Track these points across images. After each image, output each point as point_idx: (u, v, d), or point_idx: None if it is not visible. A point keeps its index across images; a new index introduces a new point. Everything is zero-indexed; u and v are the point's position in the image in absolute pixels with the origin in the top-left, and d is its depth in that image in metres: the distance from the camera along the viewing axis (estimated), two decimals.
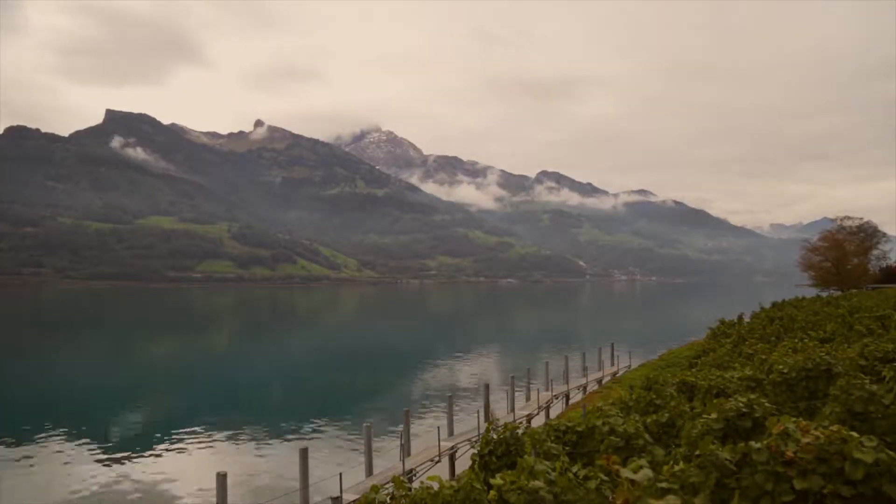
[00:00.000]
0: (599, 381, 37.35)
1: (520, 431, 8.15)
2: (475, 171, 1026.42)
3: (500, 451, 7.82)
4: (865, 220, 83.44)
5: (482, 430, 15.62)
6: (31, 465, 25.68)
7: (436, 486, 5.13)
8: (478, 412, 26.03)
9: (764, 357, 13.94)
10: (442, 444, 22.70)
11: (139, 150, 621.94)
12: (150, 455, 27.10)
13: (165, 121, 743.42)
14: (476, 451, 8.09)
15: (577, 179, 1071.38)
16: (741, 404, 6.83)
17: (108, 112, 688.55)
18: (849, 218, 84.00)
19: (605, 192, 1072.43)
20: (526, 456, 5.18)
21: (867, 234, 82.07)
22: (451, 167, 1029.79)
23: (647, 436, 7.71)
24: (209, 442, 29.25)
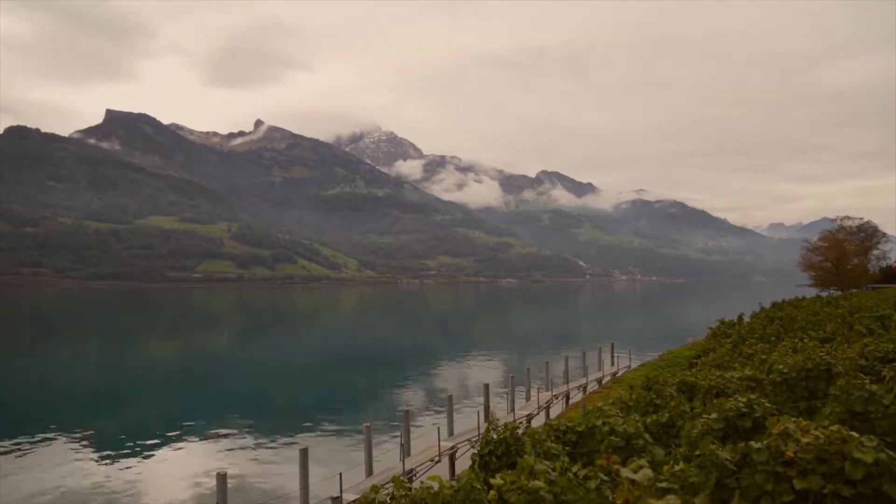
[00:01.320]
0: (599, 381, 37.34)
1: (520, 431, 8.14)
2: (475, 171, 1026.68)
3: (500, 451, 7.81)
4: (865, 220, 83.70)
5: (482, 430, 15.63)
6: (31, 465, 25.67)
7: (436, 486, 5.13)
8: (478, 412, 26.03)
9: (764, 357, 13.95)
10: (442, 444, 22.69)
11: (139, 150, 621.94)
12: (151, 455, 27.11)
13: (164, 120, 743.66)
14: (476, 451, 8.08)
15: (578, 179, 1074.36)
16: (741, 404, 6.83)
17: (108, 112, 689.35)
18: (849, 218, 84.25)
19: (604, 192, 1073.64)
20: (526, 456, 5.18)
21: (867, 234, 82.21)
22: (450, 166, 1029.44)
23: (647, 436, 7.71)
24: (209, 442, 29.25)
